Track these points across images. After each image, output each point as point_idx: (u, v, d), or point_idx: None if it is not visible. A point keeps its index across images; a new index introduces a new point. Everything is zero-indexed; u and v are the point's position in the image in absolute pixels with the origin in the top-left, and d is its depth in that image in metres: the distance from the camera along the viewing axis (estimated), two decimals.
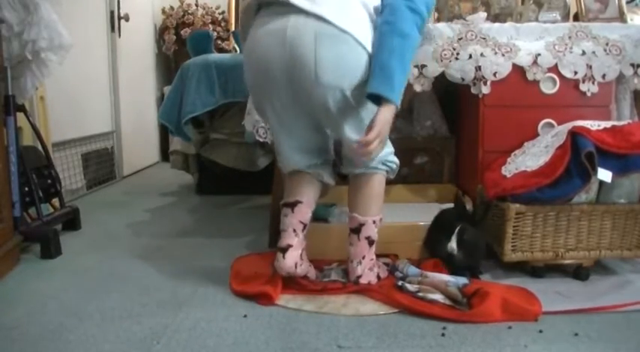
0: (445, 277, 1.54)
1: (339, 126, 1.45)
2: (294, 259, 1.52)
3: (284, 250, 1.52)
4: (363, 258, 1.55)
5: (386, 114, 1.33)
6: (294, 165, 1.58)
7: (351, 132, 1.44)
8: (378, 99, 1.34)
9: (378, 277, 1.59)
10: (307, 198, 1.58)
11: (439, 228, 1.69)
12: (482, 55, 1.79)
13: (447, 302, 1.43)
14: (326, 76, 1.35)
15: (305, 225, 1.57)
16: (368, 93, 1.33)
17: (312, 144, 1.57)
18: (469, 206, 1.73)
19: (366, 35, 1.37)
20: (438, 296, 1.44)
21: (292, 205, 1.56)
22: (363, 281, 1.55)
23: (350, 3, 1.39)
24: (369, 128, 1.32)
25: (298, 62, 1.36)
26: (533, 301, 1.43)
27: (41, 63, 2.04)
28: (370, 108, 1.39)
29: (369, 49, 1.37)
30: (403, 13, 1.35)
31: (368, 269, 1.56)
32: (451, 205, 1.79)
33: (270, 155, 2.51)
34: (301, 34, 1.35)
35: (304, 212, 1.56)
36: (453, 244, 1.58)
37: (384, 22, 1.37)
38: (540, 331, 1.31)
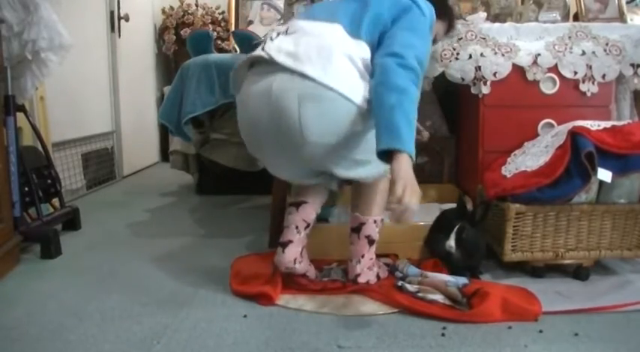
0: (445, 277, 1.54)
1: (330, 169, 1.45)
2: (293, 254, 1.52)
3: (284, 245, 1.53)
4: (362, 256, 1.55)
5: (402, 165, 1.22)
6: (302, 184, 1.60)
7: (342, 171, 1.44)
8: (390, 156, 1.25)
9: (378, 277, 1.59)
10: (313, 200, 1.59)
11: (439, 228, 1.69)
12: (482, 55, 1.79)
13: (447, 302, 1.43)
14: (312, 136, 1.35)
15: (308, 225, 1.57)
16: (378, 152, 1.27)
17: (315, 172, 1.54)
18: (469, 206, 1.73)
19: (353, 88, 1.34)
20: (437, 297, 1.44)
21: (297, 205, 1.57)
22: (361, 280, 1.55)
23: (334, 57, 1.35)
24: (393, 186, 1.22)
25: (283, 123, 1.36)
26: (533, 301, 1.43)
27: (41, 63, 2.04)
28: (361, 147, 1.38)
29: (358, 101, 1.33)
30: (395, 70, 1.31)
31: (367, 268, 1.56)
32: (452, 205, 1.80)
33: None
34: (285, 96, 1.34)
35: (308, 212, 1.57)
36: (451, 242, 1.59)
37: (377, 83, 1.33)
38: (540, 331, 1.31)
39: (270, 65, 1.39)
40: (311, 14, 1.53)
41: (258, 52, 1.44)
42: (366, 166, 1.43)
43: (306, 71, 1.33)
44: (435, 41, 1.73)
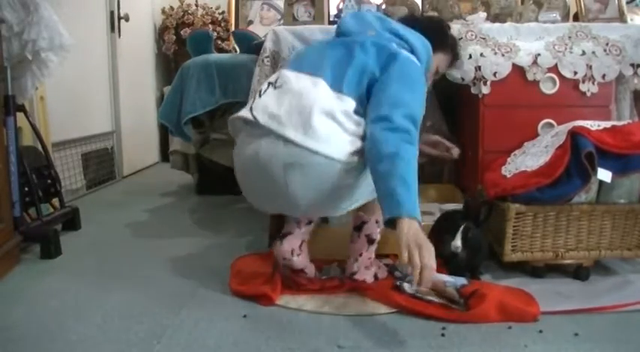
0: (444, 277, 1.54)
1: (324, 215, 1.57)
2: (291, 245, 1.53)
3: (283, 236, 1.55)
4: (360, 255, 1.56)
5: (403, 230, 1.19)
6: None
7: (337, 213, 1.47)
8: (395, 224, 1.23)
9: (376, 277, 1.59)
10: None
11: (444, 228, 1.68)
12: (482, 55, 1.79)
13: (443, 301, 1.43)
14: (302, 200, 1.38)
15: (310, 221, 1.58)
16: (384, 222, 1.27)
17: None
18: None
19: (336, 146, 1.33)
20: (434, 298, 1.44)
21: None
22: (357, 278, 1.56)
23: (314, 118, 1.33)
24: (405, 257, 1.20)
25: (273, 188, 1.39)
26: (532, 303, 1.43)
27: (41, 63, 2.04)
28: (355, 195, 1.40)
29: (344, 157, 1.32)
30: (384, 138, 1.28)
31: (364, 267, 1.56)
32: (452, 205, 1.79)
33: None
34: (271, 165, 1.35)
35: None
36: (457, 242, 1.56)
37: (368, 153, 1.31)
38: (540, 331, 1.31)
39: (257, 127, 1.39)
40: (300, 63, 1.51)
41: (245, 112, 1.45)
42: (360, 200, 1.45)
43: (289, 135, 1.33)
44: (436, 73, 1.72)
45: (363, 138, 1.36)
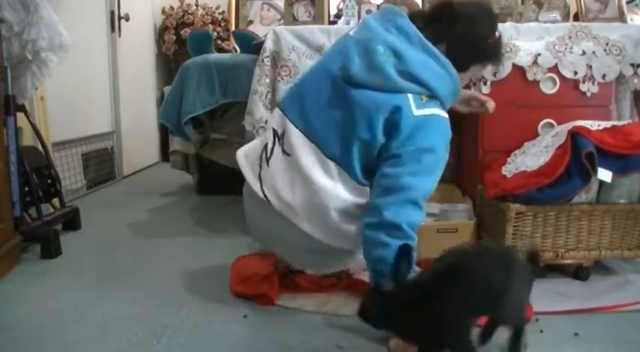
0: None
1: None
2: None
3: None
4: None
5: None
6: None
7: None
8: None
9: None
10: None
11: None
12: None
13: None
14: (314, 267, 1.52)
15: None
16: None
17: None
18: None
19: (352, 239, 1.33)
20: None
21: None
22: (354, 278, 1.58)
23: (329, 216, 1.30)
24: None
25: (286, 250, 1.48)
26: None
27: (41, 63, 2.04)
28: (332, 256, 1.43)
29: (356, 245, 1.34)
30: (366, 236, 1.25)
31: (361, 269, 1.57)
32: (452, 204, 1.77)
33: None
34: (289, 245, 1.41)
35: None
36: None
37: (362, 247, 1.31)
38: (541, 331, 1.31)
39: (270, 205, 1.36)
40: (302, 113, 1.35)
41: (253, 182, 1.42)
42: None
43: (307, 230, 1.33)
44: (470, 80, 1.59)
45: None
